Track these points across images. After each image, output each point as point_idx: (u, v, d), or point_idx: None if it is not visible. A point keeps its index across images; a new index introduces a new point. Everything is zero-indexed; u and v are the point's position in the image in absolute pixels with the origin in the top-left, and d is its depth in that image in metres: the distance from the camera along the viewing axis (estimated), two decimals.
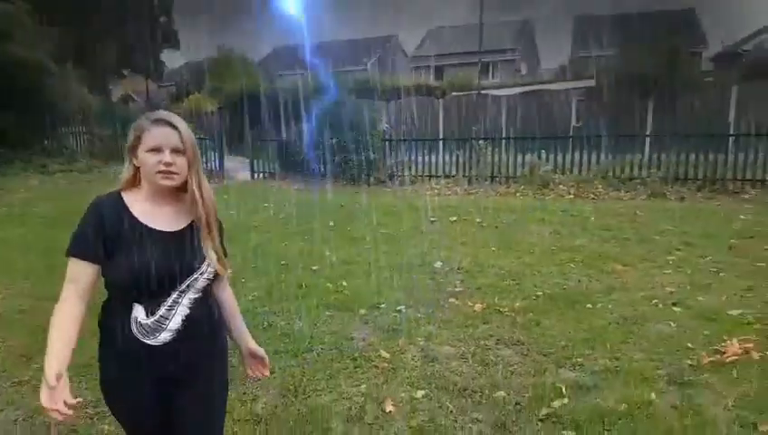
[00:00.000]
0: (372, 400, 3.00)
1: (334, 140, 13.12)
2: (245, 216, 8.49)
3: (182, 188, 1.62)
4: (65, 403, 1.43)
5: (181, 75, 32.19)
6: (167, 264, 1.54)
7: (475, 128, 14.17)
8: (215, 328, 1.73)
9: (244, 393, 3.09)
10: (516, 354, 3.55)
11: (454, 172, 12.24)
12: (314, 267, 5.69)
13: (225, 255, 1.71)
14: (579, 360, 3.42)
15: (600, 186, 10.14)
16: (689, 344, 3.58)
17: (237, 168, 15.49)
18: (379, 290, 4.80)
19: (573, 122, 14.41)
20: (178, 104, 23.43)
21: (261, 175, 14.62)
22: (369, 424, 2.78)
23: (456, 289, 4.84)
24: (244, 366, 1.90)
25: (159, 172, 1.56)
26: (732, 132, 11.84)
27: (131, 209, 1.59)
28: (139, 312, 1.55)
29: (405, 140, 13.48)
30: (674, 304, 4.34)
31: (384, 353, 3.52)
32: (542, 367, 3.34)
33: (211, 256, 1.62)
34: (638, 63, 17.33)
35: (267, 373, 1.89)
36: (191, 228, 1.62)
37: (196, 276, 1.60)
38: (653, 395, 2.95)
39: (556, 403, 2.90)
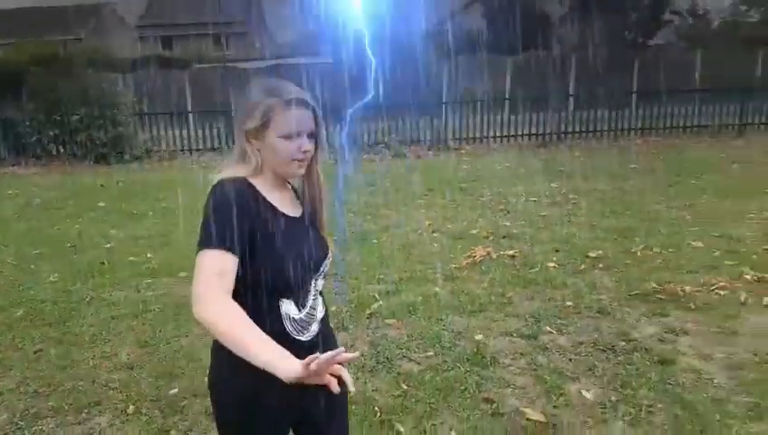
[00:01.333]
0: None
1: (75, 117, 11.96)
2: None
3: None
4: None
5: None
6: (310, 252, 1.40)
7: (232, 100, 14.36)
8: None
9: (105, 351, 3.28)
10: (334, 281, 4.36)
11: (211, 145, 12.37)
12: (107, 245, 5.61)
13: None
14: (380, 276, 4.40)
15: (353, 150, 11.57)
16: (451, 255, 4.86)
17: None
18: (189, 256, 5.08)
19: (319, 95, 15.65)
20: None
21: None
22: None
23: None
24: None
25: (296, 160, 1.36)
26: (445, 101, 14.60)
27: (265, 194, 1.38)
28: (289, 307, 1.36)
29: (157, 114, 12.99)
30: (433, 232, 5.67)
31: None
32: (357, 285, 4.22)
33: (330, 240, 1.51)
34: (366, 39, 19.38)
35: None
36: (306, 213, 1.48)
37: (327, 262, 1.47)
38: (437, 289, 4.08)
39: (375, 305, 3.80)
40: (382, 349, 3.23)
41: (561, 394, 2.72)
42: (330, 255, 1.48)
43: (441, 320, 3.58)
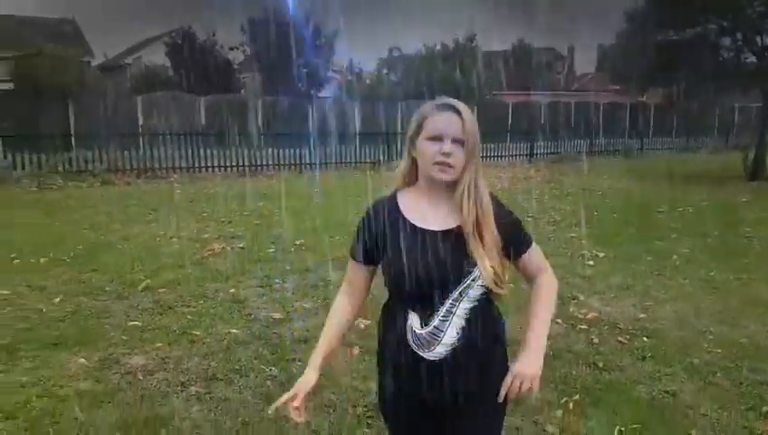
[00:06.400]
0: None
1: None
2: None
3: (455, 185, 1.46)
4: (294, 404, 1.45)
5: None
6: (434, 266, 1.41)
7: None
8: (495, 345, 1.54)
9: None
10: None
11: None
12: None
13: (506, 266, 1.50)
14: (139, 268, 5.44)
15: (60, 178, 11.39)
16: (192, 251, 6.15)
17: None
18: None
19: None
20: None
21: None
22: None
23: None
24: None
25: (436, 163, 1.41)
26: (141, 132, 15.27)
27: (402, 208, 1.49)
28: (414, 320, 1.45)
29: None
30: (171, 238, 6.82)
31: None
32: (121, 273, 5.20)
33: (484, 265, 1.41)
34: (41, 67, 18.15)
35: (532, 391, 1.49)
36: (462, 228, 1.44)
37: (468, 283, 1.43)
38: (190, 270, 5.37)
39: (143, 283, 4.91)
40: (163, 305, 4.45)
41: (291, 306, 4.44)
42: (474, 277, 1.43)
43: (200, 286, 4.94)
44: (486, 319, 1.49)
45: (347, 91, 25.95)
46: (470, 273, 1.42)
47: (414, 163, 1.51)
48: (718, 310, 4.38)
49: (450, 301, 1.43)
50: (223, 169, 14.43)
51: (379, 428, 2.72)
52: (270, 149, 15.42)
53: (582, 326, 3.99)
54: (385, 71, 27.93)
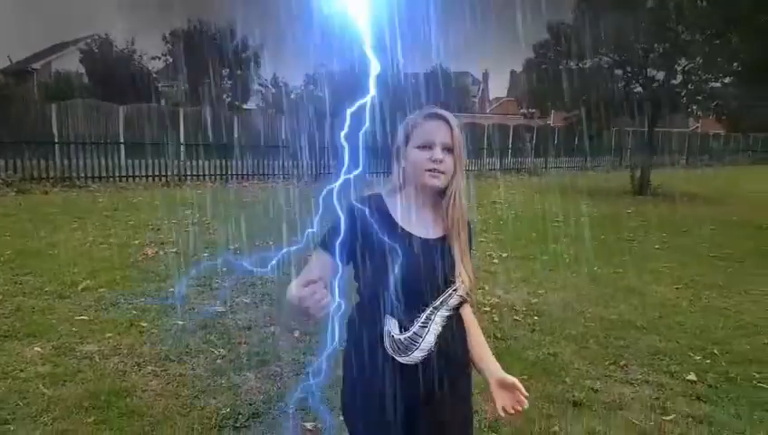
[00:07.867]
0: None
1: None
2: None
3: (441, 193, 1.49)
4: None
5: None
6: (424, 273, 1.42)
7: None
8: (465, 352, 1.58)
9: None
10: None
11: None
12: None
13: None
14: (74, 271, 5.62)
15: None
16: (125, 256, 6.36)
17: None
18: None
19: None
20: None
21: None
22: None
23: None
24: (495, 402, 1.54)
25: (428, 170, 1.44)
26: (56, 141, 14.84)
27: (391, 211, 1.47)
28: (392, 325, 1.43)
29: None
30: (101, 244, 6.96)
31: None
32: (53, 277, 5.37)
33: (463, 274, 1.46)
34: None
35: (525, 404, 1.50)
36: (446, 237, 1.48)
37: (450, 291, 1.46)
38: (128, 272, 5.62)
39: (82, 284, 5.12)
40: (106, 302, 4.72)
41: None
42: (457, 287, 1.46)
43: (140, 285, 5.23)
44: (460, 326, 1.55)
45: (272, 104, 26.22)
46: (453, 282, 1.46)
47: (401, 171, 1.52)
48: (596, 296, 5.29)
49: (431, 308, 1.45)
50: (144, 178, 14.29)
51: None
52: (193, 160, 15.44)
53: (486, 309, 4.73)
54: (311, 87, 28.43)
